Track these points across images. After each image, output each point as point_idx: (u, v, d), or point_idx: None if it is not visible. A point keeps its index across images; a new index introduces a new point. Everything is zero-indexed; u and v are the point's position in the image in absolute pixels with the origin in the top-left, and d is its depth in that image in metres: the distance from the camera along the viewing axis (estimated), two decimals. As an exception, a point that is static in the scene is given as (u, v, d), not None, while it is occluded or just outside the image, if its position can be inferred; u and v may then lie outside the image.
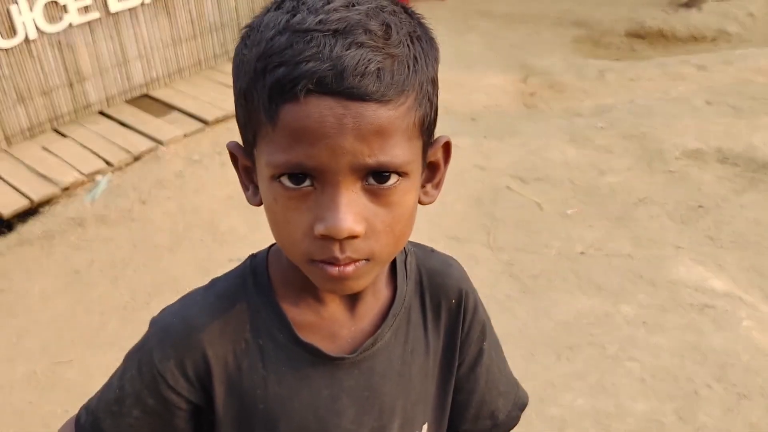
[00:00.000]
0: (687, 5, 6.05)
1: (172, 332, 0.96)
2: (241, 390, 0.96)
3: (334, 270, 0.83)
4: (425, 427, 1.06)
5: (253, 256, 1.01)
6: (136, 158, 4.40)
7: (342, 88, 0.75)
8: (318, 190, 0.80)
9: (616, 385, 2.83)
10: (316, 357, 0.96)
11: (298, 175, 0.80)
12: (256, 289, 0.97)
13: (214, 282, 1.01)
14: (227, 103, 4.79)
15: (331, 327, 0.97)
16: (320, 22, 0.77)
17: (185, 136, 4.57)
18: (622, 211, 3.95)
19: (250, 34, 0.83)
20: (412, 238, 1.03)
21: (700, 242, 3.63)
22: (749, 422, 2.64)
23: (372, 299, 0.99)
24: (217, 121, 4.68)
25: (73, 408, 3.05)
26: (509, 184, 4.13)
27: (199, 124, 4.65)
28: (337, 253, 0.82)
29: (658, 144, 4.36)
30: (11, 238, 3.92)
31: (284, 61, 0.76)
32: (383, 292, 1.01)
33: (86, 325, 3.35)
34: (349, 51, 0.75)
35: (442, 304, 1.04)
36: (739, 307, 3.16)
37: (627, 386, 2.82)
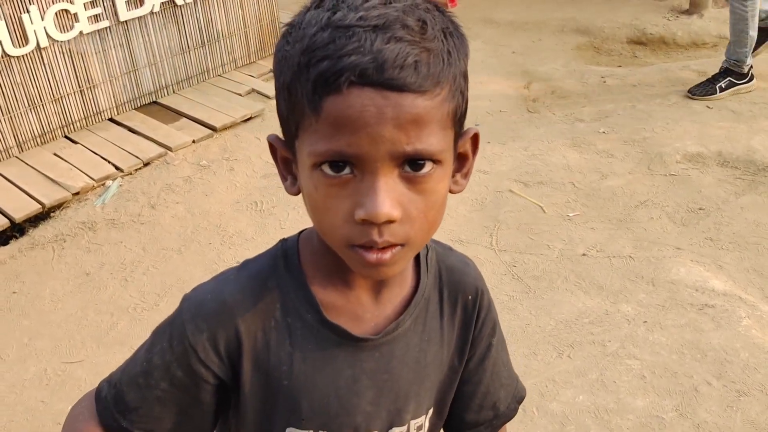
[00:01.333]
0: (688, 12, 6.10)
1: (206, 307, 1.01)
2: (268, 366, 1.01)
3: (372, 256, 0.88)
4: (430, 411, 1.13)
5: (284, 241, 1.07)
6: (146, 164, 4.47)
7: (382, 79, 0.81)
8: (357, 177, 0.86)
9: (616, 382, 2.88)
10: (341, 338, 1.02)
11: (338, 163, 0.85)
12: (286, 271, 1.03)
13: (247, 263, 1.07)
14: (234, 110, 4.87)
15: (356, 310, 1.03)
16: (361, 18, 0.82)
17: (194, 142, 4.64)
18: (624, 214, 4.00)
19: (292, 32, 0.88)
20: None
21: (700, 243, 3.68)
22: (748, 418, 2.68)
23: (396, 287, 1.06)
24: (225, 128, 4.75)
25: (84, 404, 3.07)
26: (512, 188, 4.19)
27: (207, 131, 4.72)
28: (376, 237, 0.86)
29: (658, 148, 4.42)
30: (23, 241, 3.99)
31: (327, 55, 0.82)
32: (407, 281, 1.07)
33: (96, 325, 3.41)
34: (388, 45, 0.81)
35: (459, 299, 1.11)
36: (738, 307, 3.20)
37: (627, 383, 2.87)
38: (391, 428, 1.07)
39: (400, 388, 1.06)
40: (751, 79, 4.83)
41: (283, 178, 0.99)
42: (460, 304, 1.11)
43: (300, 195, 0.96)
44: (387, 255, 0.89)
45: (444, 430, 1.23)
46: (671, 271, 3.48)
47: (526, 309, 3.30)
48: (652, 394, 2.80)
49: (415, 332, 1.06)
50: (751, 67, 4.83)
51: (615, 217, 3.99)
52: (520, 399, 1.23)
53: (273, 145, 0.99)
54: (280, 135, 0.98)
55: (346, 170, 0.85)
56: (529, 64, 5.44)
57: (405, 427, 1.08)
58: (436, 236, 1.00)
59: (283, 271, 1.03)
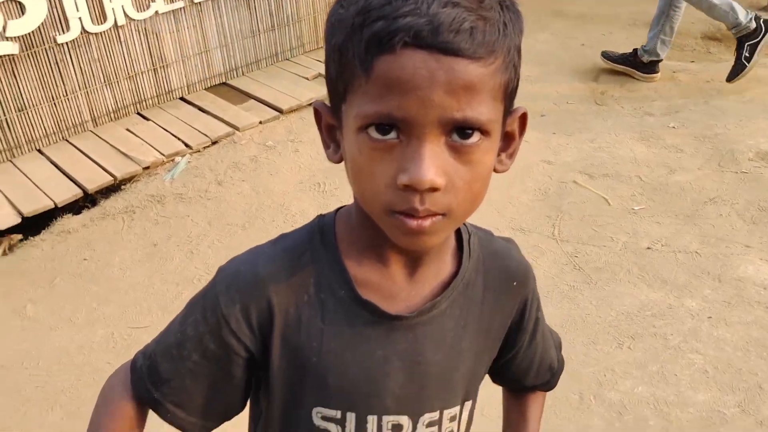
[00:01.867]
0: (766, 9, 5.92)
1: (240, 279, 0.99)
2: (298, 341, 1.00)
3: (413, 222, 0.86)
4: (468, 404, 1.11)
5: (321, 216, 1.06)
6: (214, 142, 4.57)
7: (437, 42, 0.79)
8: (403, 142, 0.84)
9: (677, 375, 2.82)
10: (374, 315, 0.99)
11: (385, 126, 0.84)
12: (322, 246, 1.01)
13: (282, 236, 1.06)
14: (301, 93, 4.93)
15: (390, 288, 1.01)
16: None
17: (261, 123, 4.72)
18: (691, 210, 3.92)
19: None
20: (478, 223, 1.10)
21: (770, 242, 3.57)
22: (814, 419, 2.60)
23: (434, 267, 1.03)
24: (291, 111, 4.82)
25: (148, 367, 3.14)
26: (576, 179, 4.14)
27: (274, 113, 4.80)
28: (417, 204, 0.84)
29: (730, 145, 4.30)
30: (95, 211, 4.13)
31: (383, 16, 0.81)
32: (446, 263, 1.05)
33: (162, 294, 3.51)
34: (445, 9, 0.80)
35: (502, 285, 1.09)
36: (808, 307, 3.10)
37: (688, 377, 2.81)
38: (421, 415, 1.05)
39: (431, 373, 1.03)
40: (766, 30, 4.63)
41: (326, 146, 0.98)
42: (503, 289, 1.09)
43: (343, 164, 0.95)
44: (427, 222, 0.87)
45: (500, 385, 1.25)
46: (739, 269, 3.40)
47: (587, 299, 3.26)
48: (714, 389, 2.74)
49: (452, 316, 1.03)
50: (756, 16, 4.65)
51: (682, 212, 3.91)
52: (561, 346, 1.25)
53: (318, 112, 0.97)
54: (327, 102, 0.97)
55: (392, 134, 0.84)
56: (599, 58, 5.35)
57: (437, 415, 1.06)
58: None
59: (318, 246, 1.01)
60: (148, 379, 1.02)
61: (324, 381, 1.00)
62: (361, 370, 1.00)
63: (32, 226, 4.02)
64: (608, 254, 3.56)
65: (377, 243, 0.98)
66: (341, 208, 1.05)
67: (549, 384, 1.23)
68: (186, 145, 4.50)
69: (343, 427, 1.02)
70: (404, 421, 1.04)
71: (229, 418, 1.08)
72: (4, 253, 3.90)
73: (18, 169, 4.29)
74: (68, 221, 4.06)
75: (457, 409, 1.08)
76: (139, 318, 3.37)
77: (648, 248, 3.63)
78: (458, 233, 1.07)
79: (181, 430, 1.05)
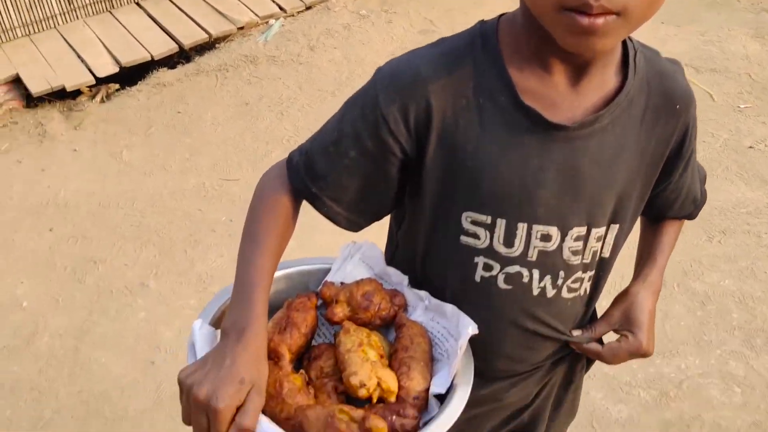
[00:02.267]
0: None
1: (400, 78, 0.98)
2: (454, 143, 0.99)
3: (585, 20, 0.83)
4: (615, 228, 1.08)
5: (482, 22, 1.03)
6: (308, 7, 4.52)
7: None
8: None
9: (767, 273, 2.75)
10: (534, 123, 0.97)
11: None
12: (483, 51, 0.99)
13: (443, 39, 1.04)
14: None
15: (553, 97, 0.98)
16: None
17: (356, -9, 4.62)
18: (801, 112, 3.71)
19: None
20: None
21: None
22: None
23: (597, 79, 0.99)
24: (388, -19, 4.70)
25: (237, 217, 3.31)
26: (681, 71, 3.95)
27: (370, -18, 4.68)
28: (592, 0, 0.81)
29: None
30: (189, 67, 4.18)
31: None
32: (610, 77, 1.00)
33: (252, 150, 3.58)
34: None
35: (665, 107, 1.04)
36: None
37: (779, 276, 2.74)
38: (569, 230, 1.03)
39: (586, 189, 1.01)
40: None
41: None
42: (665, 111, 1.04)
43: None
44: (600, 21, 0.83)
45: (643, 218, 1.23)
46: None
47: (680, 192, 3.17)
48: (805, 291, 2.67)
49: (613, 133, 1.00)
50: None
51: (790, 114, 3.71)
52: (705, 179, 1.23)
53: None
54: None
55: None
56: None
57: (584, 230, 1.04)
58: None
59: (479, 49, 0.99)
60: (305, 174, 1.04)
61: (477, 185, 1.00)
62: (515, 177, 0.99)
63: (128, 76, 4.11)
64: (707, 150, 3.43)
65: (542, 49, 0.95)
66: (504, 14, 1.02)
67: (691, 216, 1.23)
68: (280, 8, 4.46)
69: (492, 233, 1.02)
70: (553, 231, 1.03)
71: (379, 217, 1.11)
72: (102, 101, 4.02)
73: (116, 19, 4.35)
74: (163, 75, 4.13)
75: (603, 229, 1.06)
76: (229, 171, 3.45)
77: (750, 147, 3.48)
78: (624, 48, 1.02)
79: (335, 223, 1.08)
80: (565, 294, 1.10)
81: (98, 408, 2.30)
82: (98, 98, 4.00)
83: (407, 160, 1.02)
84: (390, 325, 1.11)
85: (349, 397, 1.01)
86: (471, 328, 1.02)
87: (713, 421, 2.18)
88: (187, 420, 0.93)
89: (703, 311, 2.59)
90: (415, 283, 1.14)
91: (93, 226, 3.15)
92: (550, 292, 1.09)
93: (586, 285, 1.12)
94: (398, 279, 1.14)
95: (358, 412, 0.92)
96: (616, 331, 1.19)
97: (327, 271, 1.18)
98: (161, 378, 2.40)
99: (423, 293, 1.11)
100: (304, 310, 1.08)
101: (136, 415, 2.27)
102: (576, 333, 1.16)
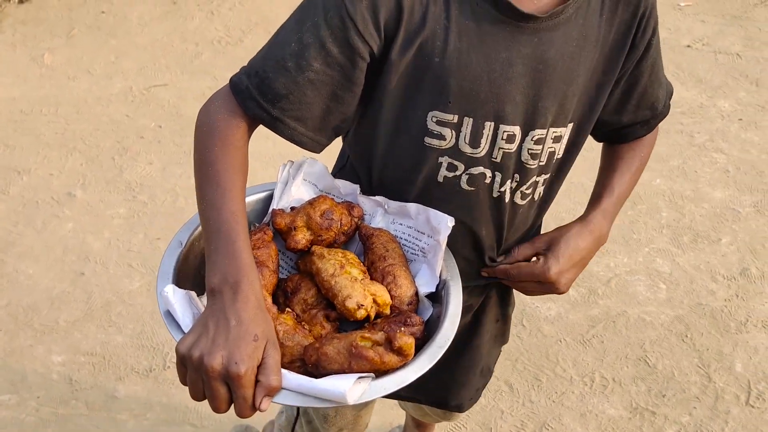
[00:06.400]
0: None
1: None
2: (422, 40, 0.93)
3: None
4: (571, 126, 1.05)
5: None
6: None
7: None
8: None
9: (697, 171, 2.79)
10: (503, 13, 0.93)
11: None
12: None
13: None
14: None
15: None
16: None
17: None
18: (740, 11, 3.71)
19: None
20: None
21: (818, 49, 3.40)
22: (828, 225, 2.60)
23: None
24: None
25: (166, 123, 3.20)
26: (622, -32, 3.89)
27: None
28: None
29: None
30: (113, -37, 3.94)
31: None
32: None
33: (181, 53, 3.43)
34: None
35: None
36: None
37: (708, 174, 2.78)
38: (531, 129, 1.01)
39: (551, 84, 0.98)
40: None
41: None
42: (623, 3, 1.01)
43: None
44: None
45: (595, 137, 1.19)
46: (780, 74, 3.26)
47: (616, 92, 3.17)
48: (733, 188, 2.72)
49: (576, 25, 0.98)
50: None
51: (730, 12, 3.70)
52: (671, 95, 1.18)
53: None
54: None
55: None
56: None
57: (544, 132, 1.02)
58: None
59: None
60: (261, 98, 0.94)
61: (445, 82, 0.95)
62: (485, 72, 0.95)
63: (48, -26, 3.86)
64: (645, 49, 3.41)
65: None
66: None
67: (648, 125, 1.16)
68: None
69: (458, 132, 0.99)
70: (517, 131, 1.01)
71: (339, 133, 1.04)
72: (20, 1, 3.78)
73: None
74: (85, -29, 3.89)
75: (563, 130, 1.05)
76: (157, 74, 3.32)
77: (688, 46, 3.47)
78: None
79: (300, 146, 0.99)
80: (518, 200, 1.09)
81: (27, 320, 2.26)
82: (15, -3, 3.77)
83: (372, 63, 0.95)
84: (351, 239, 1.07)
85: (342, 321, 0.98)
86: (449, 221, 1.01)
87: (638, 316, 2.24)
88: (199, 395, 0.84)
89: (634, 210, 2.63)
90: (369, 190, 1.10)
91: (15, 134, 3.02)
92: (507, 197, 1.07)
93: (540, 189, 1.11)
94: (349, 189, 1.09)
95: (378, 335, 0.87)
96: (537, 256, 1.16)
97: (267, 199, 1.10)
98: (91, 289, 2.36)
99: (380, 198, 1.08)
100: (265, 246, 1.01)
101: (67, 326, 2.24)
102: (500, 259, 1.15)
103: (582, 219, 1.16)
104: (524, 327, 2.22)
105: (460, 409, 1.39)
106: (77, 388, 2.07)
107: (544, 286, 1.13)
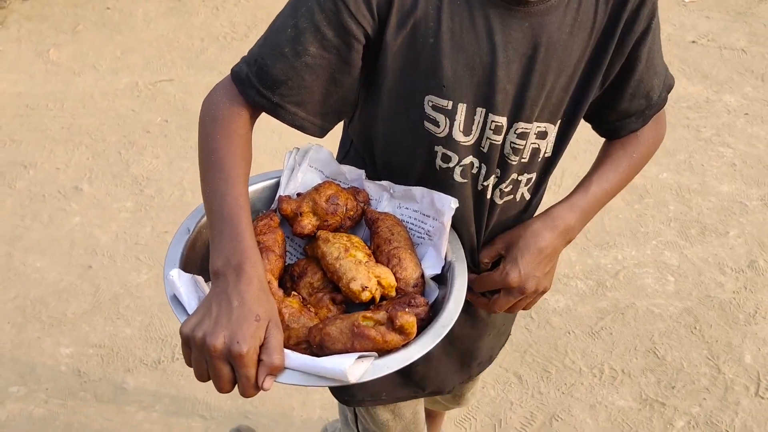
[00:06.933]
0: None
1: None
2: (415, 21, 0.94)
3: None
4: (559, 123, 1.04)
5: None
6: None
7: None
8: None
9: (704, 165, 2.79)
10: None
11: None
12: None
13: None
14: None
15: None
16: None
17: None
18: (745, 7, 3.71)
19: None
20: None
21: (823, 44, 3.40)
22: (835, 219, 2.60)
23: None
24: None
25: (172, 117, 3.19)
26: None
27: None
28: None
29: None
30: (117, -40, 3.94)
31: None
32: None
33: (187, 48, 3.43)
34: None
35: None
36: None
37: (715, 168, 2.78)
38: (516, 121, 1.00)
39: (540, 72, 0.97)
40: None
41: None
42: None
43: None
44: None
45: (595, 129, 1.17)
46: (785, 69, 3.26)
47: (622, 87, 3.17)
48: (739, 182, 2.72)
49: (570, 10, 0.97)
50: None
51: (734, 8, 3.70)
52: (670, 88, 1.14)
53: None
54: None
55: None
56: None
57: (529, 127, 1.01)
58: None
59: None
60: (260, 85, 0.96)
61: (439, 64, 0.95)
62: (476, 55, 0.95)
63: (53, -30, 3.87)
64: (650, 44, 3.41)
65: None
66: None
67: (643, 116, 1.12)
68: None
69: (452, 120, 0.99)
70: (504, 122, 1.00)
71: (341, 117, 1.05)
72: (25, -3, 3.79)
73: None
74: (90, -32, 3.89)
75: (549, 126, 1.03)
76: (163, 69, 3.31)
77: (693, 42, 3.47)
78: None
79: (301, 131, 1.00)
80: (497, 198, 1.07)
81: (35, 313, 2.25)
82: (20, -6, 3.77)
83: (368, 45, 0.95)
84: (358, 224, 1.07)
85: (348, 304, 0.98)
86: (453, 203, 1.01)
87: (647, 308, 2.24)
88: (203, 375, 0.85)
89: (641, 204, 2.63)
90: (374, 175, 1.10)
91: (21, 129, 3.02)
92: (488, 193, 1.06)
93: (522, 190, 1.09)
94: (354, 175, 1.10)
95: (380, 314, 0.88)
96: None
97: (274, 186, 1.11)
98: (99, 281, 2.36)
99: (385, 183, 1.08)
100: (271, 231, 1.02)
101: (75, 318, 2.24)
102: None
103: (545, 213, 1.11)
104: (533, 319, 2.22)
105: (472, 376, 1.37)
106: (86, 380, 2.07)
107: (512, 293, 1.07)
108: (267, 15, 3.56)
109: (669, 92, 1.14)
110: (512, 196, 1.08)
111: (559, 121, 1.04)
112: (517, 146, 1.02)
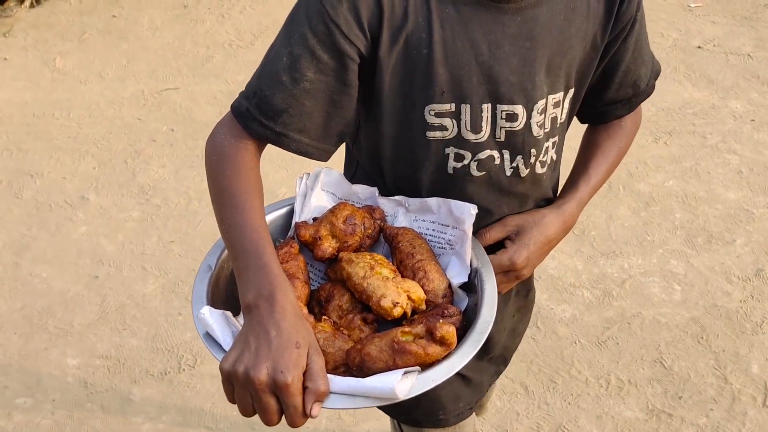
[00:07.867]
0: None
1: None
2: (407, 35, 0.95)
3: None
4: (571, 92, 1.06)
5: None
6: None
7: None
8: None
9: (710, 173, 2.78)
10: None
11: None
12: None
13: None
14: None
15: None
16: None
17: None
18: (751, 12, 3.70)
19: None
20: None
21: (830, 49, 3.39)
22: (842, 226, 2.59)
23: None
24: None
25: (178, 126, 3.21)
26: (632, -31, 3.88)
27: None
28: None
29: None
30: (123, -32, 3.96)
31: None
32: None
33: (192, 56, 3.44)
34: None
35: None
36: None
37: (722, 175, 2.77)
38: (534, 105, 1.02)
39: (543, 58, 0.99)
40: None
41: None
42: None
43: None
44: None
45: (579, 117, 1.19)
46: (792, 74, 3.25)
47: (628, 93, 3.16)
48: (746, 189, 2.71)
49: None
50: None
51: (740, 13, 3.69)
52: (657, 75, 1.17)
53: None
54: None
55: None
56: None
57: (544, 102, 1.03)
58: None
59: None
60: (262, 117, 0.97)
61: (436, 73, 0.97)
62: (472, 57, 0.97)
63: (59, -22, 3.88)
64: (656, 50, 3.38)
65: None
66: None
67: (629, 103, 1.15)
68: None
69: (459, 120, 1.01)
70: (519, 110, 1.02)
71: (344, 139, 1.06)
72: (32, 6, 3.80)
73: None
74: (96, -24, 3.90)
75: (560, 95, 1.05)
76: (169, 78, 3.32)
77: (699, 47, 3.47)
78: None
79: (307, 156, 1.01)
80: (539, 170, 1.10)
81: (42, 323, 2.26)
82: (27, 3, 3.78)
83: (363, 64, 0.97)
84: (377, 242, 1.08)
85: (379, 322, 0.98)
86: (472, 209, 1.02)
87: (653, 318, 2.23)
88: (248, 411, 0.84)
89: (647, 212, 2.62)
90: (386, 191, 1.11)
91: (27, 138, 3.03)
92: (524, 171, 1.08)
93: (552, 153, 1.12)
94: (367, 193, 1.11)
95: (418, 328, 0.88)
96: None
97: (288, 214, 1.12)
98: (105, 292, 2.36)
99: (400, 198, 1.09)
100: (293, 259, 1.03)
101: (82, 329, 2.24)
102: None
103: (558, 206, 1.15)
104: (539, 329, 2.21)
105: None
106: (92, 391, 2.07)
107: (507, 275, 1.09)
108: (272, 22, 3.57)
109: (656, 78, 1.18)
110: (548, 163, 1.12)
111: (571, 90, 1.07)
112: (541, 122, 1.05)
